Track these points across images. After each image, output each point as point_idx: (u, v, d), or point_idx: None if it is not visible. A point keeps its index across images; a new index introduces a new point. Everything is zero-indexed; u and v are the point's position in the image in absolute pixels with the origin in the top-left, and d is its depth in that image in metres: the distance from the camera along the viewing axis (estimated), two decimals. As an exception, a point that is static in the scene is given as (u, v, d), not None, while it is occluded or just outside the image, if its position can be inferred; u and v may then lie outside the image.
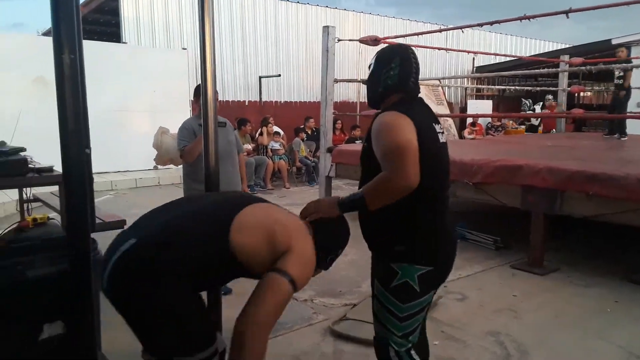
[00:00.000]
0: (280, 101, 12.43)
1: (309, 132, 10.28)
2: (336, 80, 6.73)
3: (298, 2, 12.76)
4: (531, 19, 5.57)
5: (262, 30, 12.14)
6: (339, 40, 6.57)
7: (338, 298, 3.81)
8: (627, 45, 12.54)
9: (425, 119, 1.92)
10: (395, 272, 1.91)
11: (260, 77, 12.00)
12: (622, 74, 7.60)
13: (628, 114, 12.08)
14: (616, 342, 3.09)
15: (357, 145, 6.99)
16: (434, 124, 1.95)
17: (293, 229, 1.76)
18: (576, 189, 4.16)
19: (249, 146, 8.98)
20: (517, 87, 12.70)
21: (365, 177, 1.94)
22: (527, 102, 15.27)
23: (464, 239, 5.46)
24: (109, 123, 8.58)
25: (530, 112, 14.26)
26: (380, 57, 2.05)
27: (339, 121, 9.75)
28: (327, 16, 12.86)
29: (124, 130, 9.29)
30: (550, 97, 11.75)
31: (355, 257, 4.25)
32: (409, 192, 1.76)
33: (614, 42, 12.49)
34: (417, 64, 2.01)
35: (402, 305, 1.92)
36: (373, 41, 6.46)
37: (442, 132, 1.99)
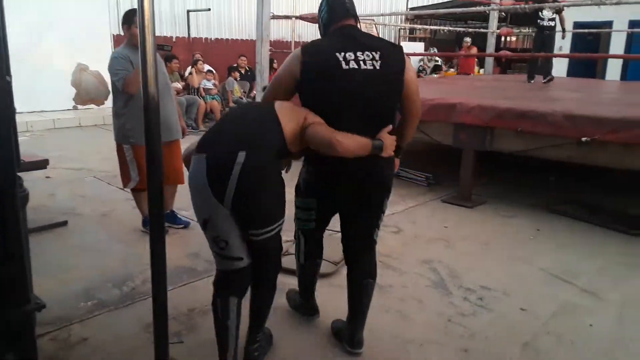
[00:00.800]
0: (211, 38, 11.83)
1: (242, 71, 9.94)
2: (273, 16, 6.46)
3: None
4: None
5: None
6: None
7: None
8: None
9: (327, 48, 2.10)
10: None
11: (188, 11, 11.31)
12: (554, 15, 7.23)
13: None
14: (538, 265, 3.35)
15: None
16: (340, 52, 2.06)
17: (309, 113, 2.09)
18: (506, 126, 4.34)
19: (178, 84, 8.57)
20: (449, 29, 12.84)
21: None
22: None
23: (397, 177, 5.61)
24: (20, 58, 7.80)
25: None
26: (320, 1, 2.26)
27: (275, 60, 9.48)
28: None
29: (38, 67, 8.50)
30: (468, 39, 11.82)
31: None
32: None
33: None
34: (344, 5, 2.19)
35: None
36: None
37: (366, 61, 2.07)
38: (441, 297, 2.87)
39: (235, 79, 9.59)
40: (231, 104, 9.29)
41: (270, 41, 6.97)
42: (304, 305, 2.65)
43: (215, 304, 2.06)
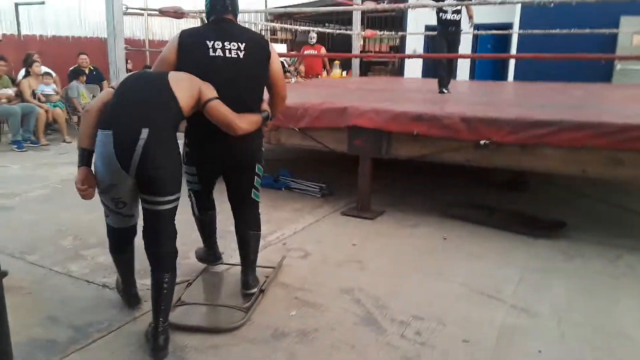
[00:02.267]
0: (47, 35, 10.19)
1: (86, 71, 8.62)
2: (126, 11, 5.54)
3: None
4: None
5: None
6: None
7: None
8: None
9: (198, 35, 2.51)
10: None
11: (16, 4, 9.58)
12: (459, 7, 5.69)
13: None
14: (456, 281, 3.12)
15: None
16: (211, 40, 2.46)
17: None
18: (402, 130, 4.12)
19: (9, 91, 7.10)
20: (310, 30, 12.71)
21: None
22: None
23: (288, 189, 5.15)
24: None
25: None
26: None
27: (129, 60, 8.38)
28: None
29: None
30: (313, 34, 10.95)
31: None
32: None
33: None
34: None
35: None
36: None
37: (231, 50, 2.47)
38: (376, 338, 2.46)
39: (82, 83, 8.29)
40: (81, 111, 8.00)
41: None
42: (207, 253, 3.12)
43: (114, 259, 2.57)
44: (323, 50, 10.14)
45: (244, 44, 2.49)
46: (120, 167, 2.15)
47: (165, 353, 2.22)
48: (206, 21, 2.66)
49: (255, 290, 2.76)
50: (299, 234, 3.95)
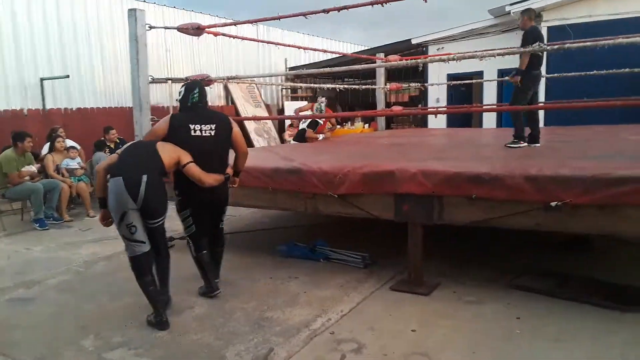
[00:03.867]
0: (71, 108, 10.21)
1: (112, 145, 8.45)
2: (152, 80, 5.37)
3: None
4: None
5: (41, 25, 9.79)
6: (150, 27, 5.24)
7: None
8: (424, 45, 13.58)
9: (184, 121, 3.63)
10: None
11: (42, 79, 9.67)
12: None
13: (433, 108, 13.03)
14: (549, 376, 2.58)
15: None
16: (193, 124, 3.61)
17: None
18: (457, 193, 3.68)
19: (32, 167, 6.92)
20: (332, 87, 12.60)
21: None
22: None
23: (327, 259, 4.70)
24: None
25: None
26: (183, 85, 3.79)
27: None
28: (123, 8, 10.99)
29: None
30: (322, 98, 10.37)
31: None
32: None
33: (413, 41, 13.33)
34: (194, 92, 3.70)
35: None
36: (195, 29, 5.29)
37: (208, 129, 3.65)
38: None
39: (106, 154, 8.11)
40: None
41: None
42: (207, 287, 3.90)
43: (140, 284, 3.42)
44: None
45: (214, 125, 3.68)
46: (131, 200, 3.24)
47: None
48: (180, 106, 3.74)
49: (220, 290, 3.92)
50: (347, 317, 3.46)
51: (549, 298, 3.56)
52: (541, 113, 11.68)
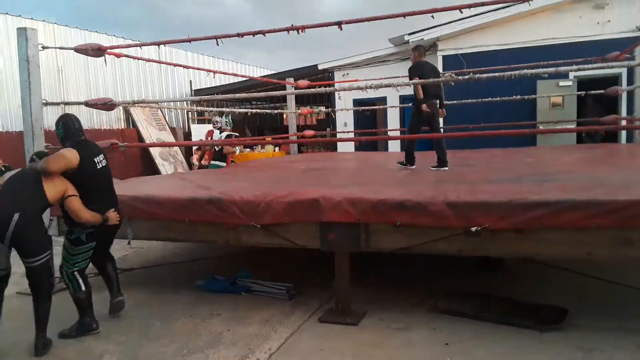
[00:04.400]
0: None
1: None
2: (45, 102, 4.86)
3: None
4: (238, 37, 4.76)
5: None
6: (43, 47, 4.77)
7: None
8: (330, 70, 13.90)
9: (89, 154, 3.75)
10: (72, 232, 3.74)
11: None
12: None
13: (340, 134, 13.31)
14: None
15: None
16: (94, 157, 3.78)
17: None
18: (383, 221, 3.69)
19: None
20: (241, 111, 12.38)
21: None
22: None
23: (250, 292, 4.49)
24: None
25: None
26: (55, 123, 3.82)
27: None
28: (8, 25, 10.00)
29: None
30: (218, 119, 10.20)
31: None
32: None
33: (320, 67, 13.59)
34: (74, 122, 3.83)
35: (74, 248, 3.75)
36: (96, 50, 4.89)
37: (103, 160, 3.85)
38: None
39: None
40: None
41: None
42: (90, 323, 3.75)
43: None
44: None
45: (102, 155, 3.88)
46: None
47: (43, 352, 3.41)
48: (61, 141, 3.82)
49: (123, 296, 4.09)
50: (276, 356, 3.29)
51: (473, 321, 3.66)
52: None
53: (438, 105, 5.89)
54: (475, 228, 3.41)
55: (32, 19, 10.90)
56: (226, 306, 4.21)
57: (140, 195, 4.46)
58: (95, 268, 4.08)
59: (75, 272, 3.70)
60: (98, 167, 3.74)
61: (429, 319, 3.74)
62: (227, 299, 4.38)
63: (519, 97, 8.01)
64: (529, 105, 10.54)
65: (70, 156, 3.59)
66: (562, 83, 10.54)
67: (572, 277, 4.47)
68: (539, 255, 3.47)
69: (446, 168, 5.66)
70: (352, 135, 13.34)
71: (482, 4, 3.98)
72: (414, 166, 5.98)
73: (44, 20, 11.21)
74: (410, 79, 5.52)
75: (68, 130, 3.75)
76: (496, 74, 3.96)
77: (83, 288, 3.70)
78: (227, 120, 8.60)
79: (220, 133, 8.27)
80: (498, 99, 7.39)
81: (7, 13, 10.13)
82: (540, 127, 10.98)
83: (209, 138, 9.06)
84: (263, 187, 4.67)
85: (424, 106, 5.61)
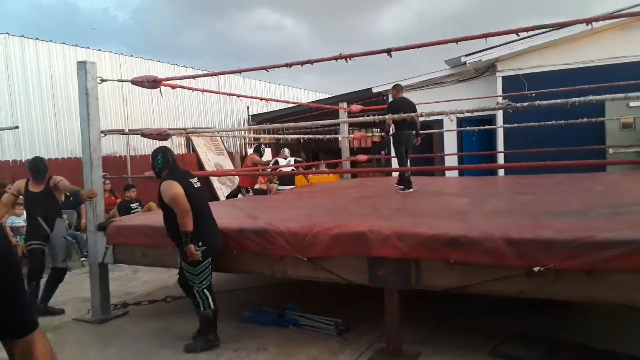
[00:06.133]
0: (20, 160, 9.64)
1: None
2: (104, 132, 5.05)
3: (37, 39, 10.33)
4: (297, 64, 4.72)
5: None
6: (102, 80, 4.96)
7: None
8: (384, 94, 13.77)
9: (184, 178, 4.11)
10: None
11: (-13, 130, 9.13)
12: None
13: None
14: None
15: (142, 218, 5.34)
16: (190, 179, 4.16)
17: None
18: (434, 257, 3.48)
19: (-28, 227, 6.35)
20: (293, 136, 12.50)
21: (166, 219, 4.10)
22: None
23: (297, 325, 4.37)
24: None
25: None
26: (152, 154, 4.25)
27: (107, 181, 7.78)
28: (77, 57, 10.65)
29: None
30: (285, 150, 11.18)
31: None
32: (188, 215, 3.89)
33: (374, 90, 13.49)
34: (170, 153, 4.26)
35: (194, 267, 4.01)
36: (151, 82, 5.04)
37: (197, 182, 4.23)
38: None
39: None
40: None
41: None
42: (214, 339, 4.06)
43: None
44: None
45: (196, 178, 4.27)
46: None
47: None
48: (158, 170, 4.22)
49: None
50: (323, 400, 3.13)
51: (537, 368, 3.35)
52: (500, 160, 11.93)
53: (413, 137, 6.69)
54: (538, 268, 3.13)
55: (99, 50, 11.58)
56: (273, 341, 4.11)
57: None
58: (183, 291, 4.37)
59: (205, 290, 4.01)
60: (195, 186, 4.15)
61: (487, 365, 3.46)
62: (274, 332, 4.27)
63: (585, 119, 7.57)
64: (597, 126, 9.92)
65: (179, 191, 3.95)
66: (632, 104, 9.84)
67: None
68: (611, 300, 3.11)
69: (411, 189, 6.48)
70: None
71: (540, 27, 3.74)
72: (412, 189, 6.56)
73: (110, 52, 11.88)
74: (387, 113, 6.30)
75: (164, 162, 4.16)
76: (558, 101, 3.68)
77: (212, 306, 4.02)
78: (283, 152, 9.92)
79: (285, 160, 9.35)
80: (563, 122, 6.99)
81: (64, 43, 10.77)
82: (611, 151, 10.33)
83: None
84: (311, 217, 4.57)
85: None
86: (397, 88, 6.97)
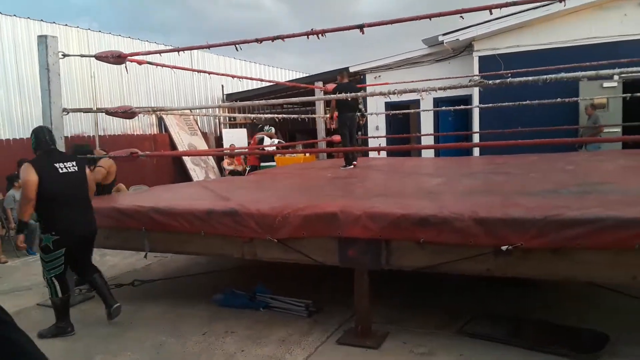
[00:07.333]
0: (-17, 139, 9.27)
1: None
2: (66, 110, 4.84)
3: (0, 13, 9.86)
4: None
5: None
6: (64, 55, 4.73)
7: None
8: (362, 73, 13.64)
9: (46, 162, 3.93)
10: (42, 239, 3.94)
11: (-54, 109, 8.73)
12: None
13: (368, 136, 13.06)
14: None
15: (104, 200, 5.18)
16: (57, 164, 3.95)
17: None
18: (405, 237, 3.44)
19: None
20: (269, 116, 12.26)
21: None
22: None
23: (268, 308, 4.32)
24: None
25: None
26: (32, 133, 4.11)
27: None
28: (43, 33, 10.20)
29: None
30: (267, 127, 12.05)
31: None
32: (29, 204, 3.82)
33: (351, 69, 13.32)
34: (46, 134, 4.08)
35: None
36: (116, 58, 4.83)
37: (73, 166, 4.03)
38: None
39: (19, 190, 7.33)
40: (12, 226, 6.98)
41: (67, 137, 5.30)
42: (65, 326, 3.97)
43: None
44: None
45: (74, 162, 4.08)
46: None
47: None
48: (35, 152, 4.04)
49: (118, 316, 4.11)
50: (289, 381, 3.09)
51: (503, 346, 3.36)
52: (475, 140, 11.99)
53: (357, 117, 7.43)
54: (506, 247, 3.12)
55: (66, 25, 11.13)
56: (242, 323, 4.05)
57: (157, 206, 4.36)
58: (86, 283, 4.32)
59: (53, 278, 3.91)
60: (61, 171, 3.93)
61: (455, 344, 3.46)
62: (244, 315, 4.21)
63: (559, 99, 7.59)
64: (571, 107, 10.00)
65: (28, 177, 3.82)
66: (606, 84, 9.95)
67: (618, 299, 4.07)
68: (577, 278, 3.15)
69: (351, 166, 7.14)
70: (384, 140, 13.07)
71: (514, 4, 3.67)
72: (352, 165, 7.19)
73: (77, 27, 11.44)
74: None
75: (37, 141, 4.01)
76: (529, 78, 3.64)
77: (59, 294, 3.90)
78: (269, 129, 10.82)
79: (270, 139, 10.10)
80: (537, 102, 7.00)
81: (28, 17, 10.32)
82: (582, 130, 10.45)
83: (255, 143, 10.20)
84: (283, 198, 4.49)
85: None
86: (342, 73, 7.55)
